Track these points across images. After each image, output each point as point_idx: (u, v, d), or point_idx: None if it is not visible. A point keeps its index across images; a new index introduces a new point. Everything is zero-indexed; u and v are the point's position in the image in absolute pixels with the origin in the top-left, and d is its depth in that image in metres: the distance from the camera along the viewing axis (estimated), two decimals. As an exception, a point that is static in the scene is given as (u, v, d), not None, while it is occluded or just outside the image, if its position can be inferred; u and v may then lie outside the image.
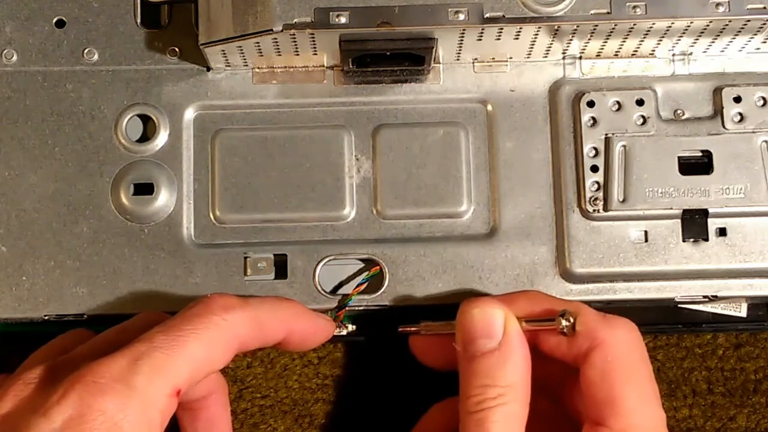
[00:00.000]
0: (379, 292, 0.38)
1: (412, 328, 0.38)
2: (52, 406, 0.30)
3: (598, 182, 0.39)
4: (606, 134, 0.39)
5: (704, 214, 0.39)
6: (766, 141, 0.39)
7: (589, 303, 0.39)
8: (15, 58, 0.40)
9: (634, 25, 0.37)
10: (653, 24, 0.37)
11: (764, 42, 0.39)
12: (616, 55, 0.40)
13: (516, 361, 0.34)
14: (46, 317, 0.38)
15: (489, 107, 0.40)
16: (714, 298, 0.39)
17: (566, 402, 0.37)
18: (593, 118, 0.39)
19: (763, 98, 0.39)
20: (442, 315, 0.38)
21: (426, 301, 0.38)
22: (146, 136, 0.40)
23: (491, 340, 0.34)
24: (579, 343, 0.34)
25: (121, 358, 0.31)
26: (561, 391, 0.37)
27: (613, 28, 0.37)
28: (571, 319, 0.34)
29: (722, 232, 0.39)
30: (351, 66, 0.39)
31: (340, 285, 0.39)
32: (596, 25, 0.37)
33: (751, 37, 0.38)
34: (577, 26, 0.37)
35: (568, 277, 0.39)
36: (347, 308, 0.38)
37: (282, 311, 0.35)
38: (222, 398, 0.38)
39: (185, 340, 0.32)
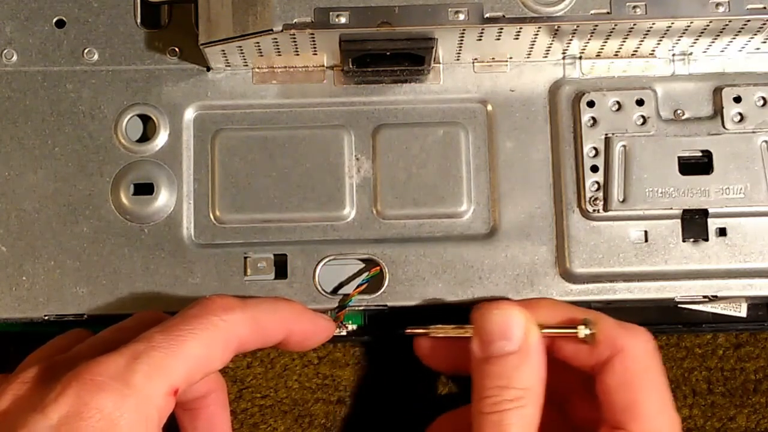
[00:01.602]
0: (379, 292, 0.38)
1: (421, 330, 0.38)
2: (50, 403, 0.30)
3: (598, 182, 0.39)
4: (606, 134, 0.39)
5: (704, 214, 0.39)
6: (766, 141, 0.39)
7: (589, 303, 0.39)
8: (15, 58, 0.40)
9: (634, 25, 0.37)
10: (653, 24, 0.37)
11: (764, 42, 0.39)
12: (616, 55, 0.40)
13: (534, 365, 0.34)
14: (46, 317, 0.38)
15: (489, 107, 0.40)
16: (714, 298, 0.39)
17: (572, 411, 0.38)
18: (593, 118, 0.39)
19: (763, 98, 0.39)
20: (441, 315, 0.38)
21: (426, 301, 0.38)
22: (146, 136, 0.40)
23: (510, 342, 0.34)
24: (600, 351, 0.35)
25: (119, 357, 0.31)
26: (567, 400, 0.38)
27: (613, 28, 0.37)
28: (593, 328, 0.35)
29: (722, 232, 0.39)
30: (351, 66, 0.39)
31: (341, 285, 0.39)
32: (596, 25, 0.37)
33: (751, 37, 0.38)
34: (577, 26, 0.37)
35: (568, 277, 0.39)
36: (347, 308, 0.38)
37: (281, 311, 0.35)
38: (221, 397, 0.38)
39: (184, 339, 0.32)
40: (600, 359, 0.35)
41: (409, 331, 0.38)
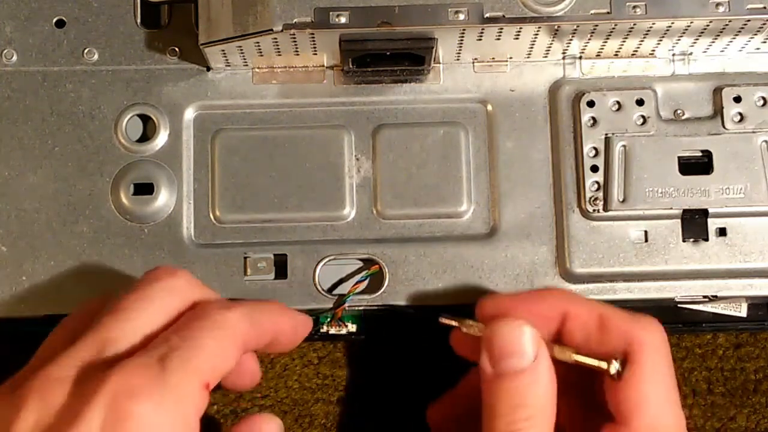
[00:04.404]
0: (379, 292, 0.38)
1: (452, 323, 0.36)
2: (84, 417, 0.29)
3: (598, 182, 0.39)
4: (606, 134, 0.39)
5: (704, 214, 0.39)
6: (766, 141, 0.39)
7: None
8: (15, 58, 0.40)
9: (634, 25, 0.37)
10: (653, 24, 0.37)
11: (764, 42, 0.39)
12: (616, 55, 0.40)
13: (547, 381, 0.33)
14: (46, 317, 0.38)
15: (489, 107, 0.40)
16: (714, 298, 0.39)
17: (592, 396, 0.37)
18: (593, 118, 0.39)
19: (763, 98, 0.39)
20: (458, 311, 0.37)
21: (426, 301, 0.38)
22: (146, 136, 0.40)
23: (522, 359, 0.33)
24: (612, 343, 0.34)
25: (147, 359, 0.30)
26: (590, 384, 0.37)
27: (613, 28, 0.37)
28: (621, 367, 0.34)
29: (722, 232, 0.39)
30: (351, 66, 0.39)
31: (341, 285, 0.39)
32: (596, 25, 0.37)
33: (751, 37, 0.38)
34: (577, 26, 0.37)
35: (568, 277, 0.39)
36: (346, 305, 0.38)
37: (269, 308, 0.35)
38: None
39: (200, 337, 0.31)
40: (610, 351, 0.34)
41: (442, 321, 0.36)
